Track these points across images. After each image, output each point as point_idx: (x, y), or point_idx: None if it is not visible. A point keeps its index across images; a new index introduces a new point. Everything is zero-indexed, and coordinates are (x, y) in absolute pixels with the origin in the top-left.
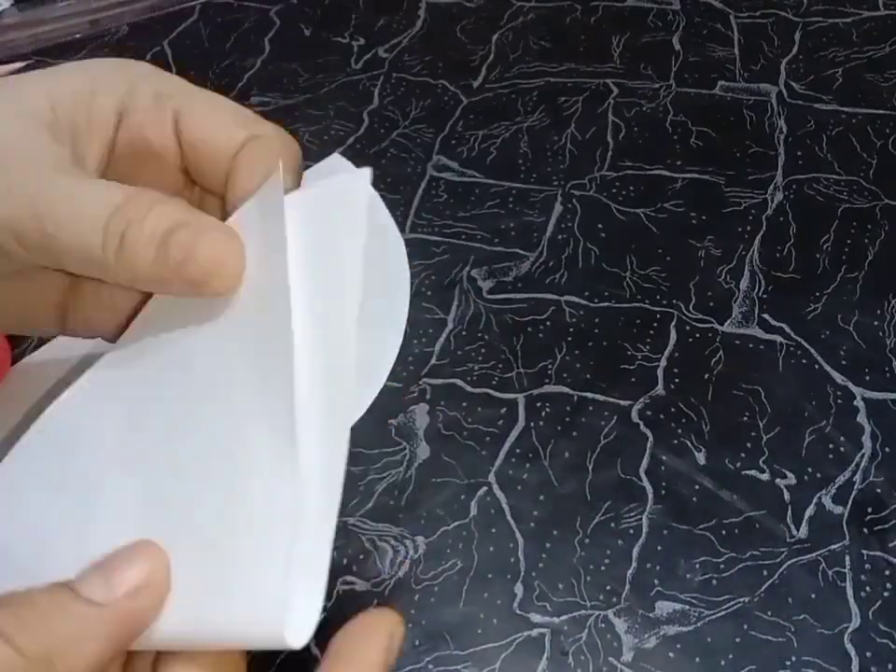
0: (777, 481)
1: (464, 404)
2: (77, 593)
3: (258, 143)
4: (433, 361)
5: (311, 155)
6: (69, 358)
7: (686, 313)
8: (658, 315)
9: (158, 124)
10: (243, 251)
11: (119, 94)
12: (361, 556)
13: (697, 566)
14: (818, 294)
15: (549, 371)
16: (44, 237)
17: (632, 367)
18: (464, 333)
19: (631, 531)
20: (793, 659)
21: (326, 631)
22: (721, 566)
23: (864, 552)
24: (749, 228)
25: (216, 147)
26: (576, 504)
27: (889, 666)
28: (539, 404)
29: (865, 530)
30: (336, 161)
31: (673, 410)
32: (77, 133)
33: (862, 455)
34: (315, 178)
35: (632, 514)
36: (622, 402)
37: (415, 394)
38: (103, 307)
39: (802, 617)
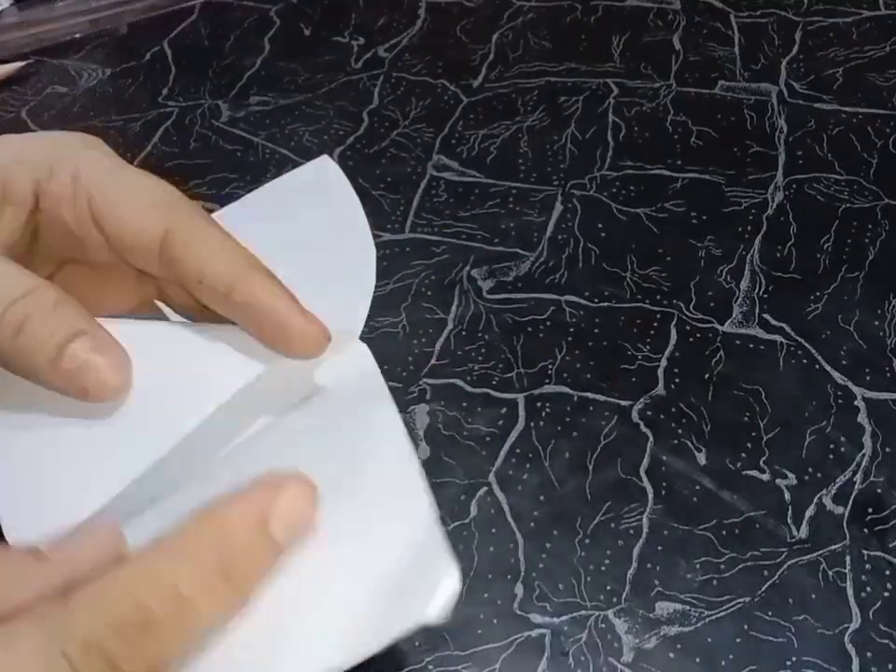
0: (778, 481)
1: (464, 404)
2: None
3: (181, 234)
4: (433, 361)
5: (311, 155)
6: None
7: (686, 312)
8: (658, 315)
9: (74, 207)
10: (130, 370)
11: (35, 175)
12: None
13: (698, 566)
14: (818, 294)
15: (549, 371)
16: None
17: (632, 367)
18: (464, 333)
19: (631, 531)
20: (794, 659)
21: None
22: (722, 566)
23: (865, 552)
24: (749, 227)
25: (131, 232)
26: (576, 504)
27: (890, 667)
28: (539, 404)
29: (866, 530)
30: (324, 162)
31: (673, 410)
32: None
33: (863, 455)
34: (303, 178)
35: (632, 514)
36: (622, 402)
37: (415, 394)
38: None
39: (802, 617)
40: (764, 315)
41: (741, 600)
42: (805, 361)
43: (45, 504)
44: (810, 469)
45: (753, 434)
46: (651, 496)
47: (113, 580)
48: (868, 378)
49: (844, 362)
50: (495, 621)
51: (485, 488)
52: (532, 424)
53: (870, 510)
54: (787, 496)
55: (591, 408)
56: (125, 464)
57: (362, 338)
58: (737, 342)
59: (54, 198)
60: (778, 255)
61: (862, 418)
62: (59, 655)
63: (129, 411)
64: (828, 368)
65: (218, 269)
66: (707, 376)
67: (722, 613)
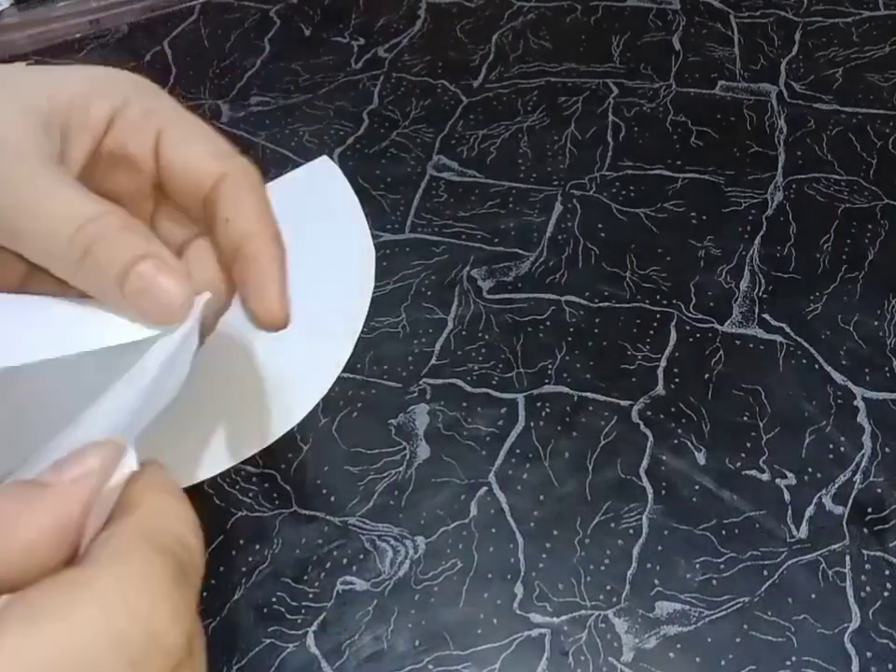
0: (778, 481)
1: (464, 404)
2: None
3: (234, 180)
4: (433, 361)
5: (311, 155)
6: None
7: (686, 313)
8: (658, 315)
9: (141, 138)
10: (192, 291)
11: (113, 103)
12: (361, 556)
13: (697, 566)
14: (818, 294)
15: (549, 371)
16: (16, 225)
17: (632, 367)
18: (464, 333)
19: (631, 531)
20: (793, 659)
21: (326, 630)
22: (722, 566)
23: (864, 552)
24: (749, 228)
25: (191, 172)
26: (576, 504)
27: (890, 666)
28: (538, 404)
29: (865, 530)
30: (324, 163)
31: (673, 410)
32: (67, 132)
33: (863, 455)
34: (303, 178)
35: (632, 514)
36: (622, 402)
37: (415, 394)
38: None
39: (802, 617)
40: (764, 316)
41: (741, 600)
42: (804, 361)
43: None
44: (810, 469)
45: (753, 434)
46: (650, 496)
47: None
48: (868, 378)
49: (843, 362)
50: (495, 620)
51: (485, 488)
52: (532, 424)
53: (869, 509)
54: (786, 495)
55: (591, 408)
56: None
57: (362, 338)
58: (737, 342)
59: (125, 129)
60: (778, 255)
61: (862, 418)
62: None
63: None
64: (828, 368)
65: (247, 219)
66: (706, 376)
67: (722, 613)
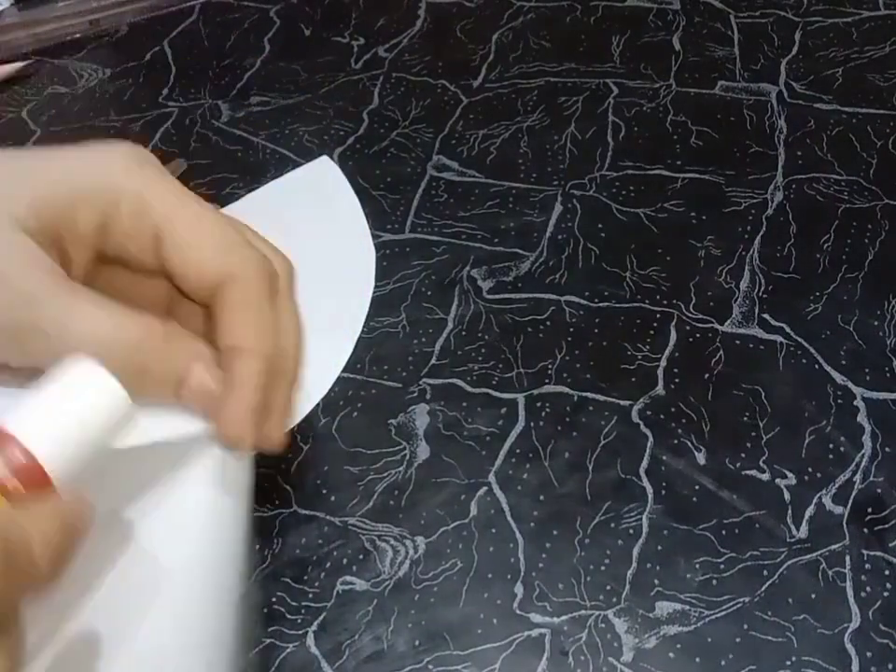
0: (778, 481)
1: (464, 404)
2: None
3: (237, 286)
4: (433, 361)
5: (311, 155)
6: None
7: (686, 313)
8: (658, 315)
9: (138, 241)
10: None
11: (100, 208)
12: (361, 556)
13: (697, 566)
14: (818, 294)
15: (549, 371)
16: (49, 352)
17: (632, 367)
18: (464, 333)
19: (631, 531)
20: (793, 659)
21: (326, 630)
22: (721, 566)
23: (864, 552)
24: (749, 228)
25: (193, 277)
26: (576, 504)
27: (890, 666)
28: (539, 404)
29: (865, 530)
30: (324, 163)
31: (673, 410)
32: (61, 242)
33: (863, 455)
34: (303, 179)
35: (632, 514)
36: (622, 402)
37: (415, 394)
38: None
39: (802, 617)
40: (764, 315)
41: (741, 600)
42: (804, 361)
43: None
44: (810, 469)
45: (753, 434)
46: (650, 496)
47: None
48: (868, 378)
49: (843, 362)
50: (495, 620)
51: (485, 488)
52: (532, 424)
53: (869, 509)
54: (787, 495)
55: (591, 408)
56: None
57: (362, 338)
58: (737, 342)
59: (120, 235)
60: (778, 255)
61: (862, 418)
62: None
63: None
64: (828, 368)
65: (236, 334)
66: (706, 376)
67: (722, 613)
